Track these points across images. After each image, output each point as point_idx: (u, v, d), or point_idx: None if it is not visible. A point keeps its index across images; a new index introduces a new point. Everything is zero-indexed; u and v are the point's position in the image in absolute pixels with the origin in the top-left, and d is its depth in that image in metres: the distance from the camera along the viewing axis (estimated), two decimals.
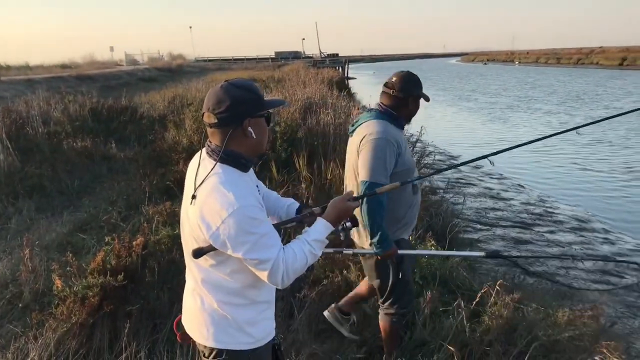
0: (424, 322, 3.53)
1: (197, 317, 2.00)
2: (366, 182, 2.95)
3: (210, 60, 78.68)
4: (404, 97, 3.11)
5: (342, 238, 2.16)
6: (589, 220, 8.45)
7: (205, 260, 1.92)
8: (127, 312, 3.39)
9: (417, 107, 3.22)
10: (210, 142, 1.95)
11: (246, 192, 1.86)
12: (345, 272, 4.11)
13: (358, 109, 10.41)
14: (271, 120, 2.01)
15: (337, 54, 74.71)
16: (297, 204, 2.27)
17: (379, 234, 2.95)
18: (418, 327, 3.52)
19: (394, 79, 3.15)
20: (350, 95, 21.13)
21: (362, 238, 3.17)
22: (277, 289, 2.06)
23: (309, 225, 2.04)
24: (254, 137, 1.91)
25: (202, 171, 1.90)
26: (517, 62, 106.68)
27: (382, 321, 3.30)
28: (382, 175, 2.94)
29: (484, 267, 5.32)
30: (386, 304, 3.24)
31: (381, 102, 3.19)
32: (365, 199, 2.93)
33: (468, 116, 22.84)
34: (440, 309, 3.63)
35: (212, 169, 1.87)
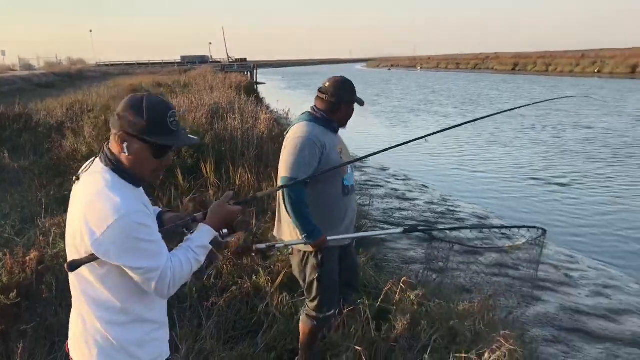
0: (337, 325, 3.59)
1: (79, 339, 1.85)
2: (284, 177, 3.05)
3: (112, 65, 75.67)
4: (336, 102, 3.19)
5: (223, 243, 2.11)
6: (487, 216, 8.90)
7: (85, 274, 1.78)
8: (21, 331, 3.18)
9: (350, 112, 3.30)
10: (108, 146, 1.85)
11: (133, 198, 1.77)
12: (254, 277, 4.08)
13: (266, 113, 10.41)
14: (161, 154, 1.85)
15: (245, 59, 74.12)
16: (157, 209, 2.14)
17: (305, 224, 3.01)
18: (331, 330, 3.57)
19: (328, 84, 3.24)
20: (259, 100, 21.08)
21: (285, 233, 3.23)
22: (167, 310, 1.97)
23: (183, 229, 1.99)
24: (127, 154, 1.79)
25: (91, 165, 1.84)
26: (419, 68, 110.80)
27: (303, 323, 3.32)
28: (300, 171, 3.00)
29: (390, 266, 5.47)
30: (311, 305, 3.27)
31: (315, 106, 3.27)
32: (285, 193, 3.01)
33: (373, 120, 23.47)
34: (349, 309, 3.68)
35: (101, 169, 1.79)
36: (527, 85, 46.07)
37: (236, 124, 8.46)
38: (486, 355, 2.78)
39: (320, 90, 3.26)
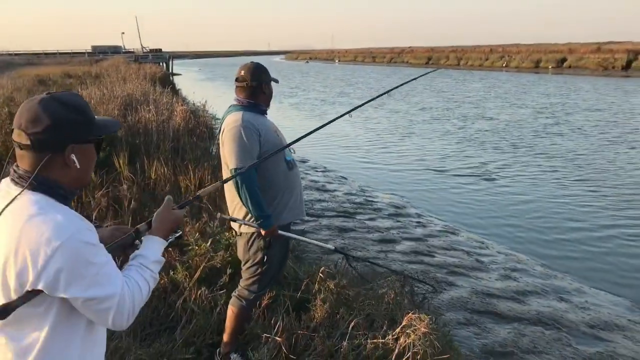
0: (257, 316, 3.60)
1: None
2: (233, 169, 3.12)
3: (17, 54, 71.24)
4: (257, 85, 3.31)
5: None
6: (404, 206, 9.16)
7: (14, 321, 1.44)
8: None
9: (271, 91, 3.45)
10: (18, 166, 1.52)
11: (73, 214, 1.49)
12: (171, 272, 3.98)
13: (182, 105, 10.16)
14: (102, 147, 1.68)
15: (160, 50, 72.07)
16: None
17: (260, 211, 3.10)
18: (251, 322, 3.58)
19: (243, 72, 3.35)
20: (175, 92, 20.58)
21: (239, 214, 3.28)
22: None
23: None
24: (78, 166, 1.53)
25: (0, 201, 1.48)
26: (337, 61, 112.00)
27: (232, 306, 3.36)
28: (246, 158, 3.11)
29: (310, 257, 5.51)
30: (245, 285, 3.33)
31: (237, 97, 3.37)
32: (238, 184, 3.08)
33: (292, 112, 23.61)
34: (270, 301, 3.68)
35: (17, 195, 1.46)
36: (439, 78, 47.88)
37: (150, 116, 8.21)
38: (401, 339, 2.86)
39: (237, 80, 3.36)
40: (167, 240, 1.77)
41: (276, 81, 3.50)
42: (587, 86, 35.97)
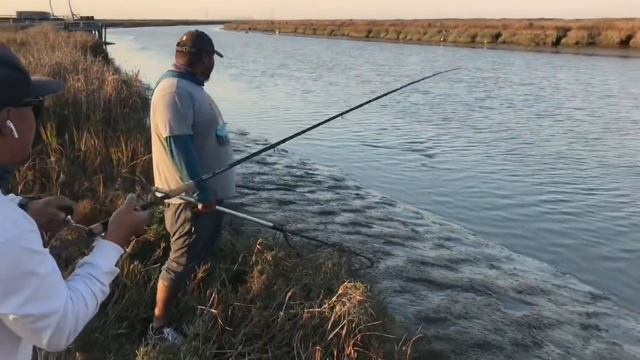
0: (192, 289, 3.56)
1: None
2: (169, 137, 2.99)
3: None
4: (197, 52, 3.21)
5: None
6: (343, 179, 9.23)
7: None
8: None
9: (212, 62, 3.34)
10: None
11: (13, 210, 1.20)
12: None
13: (113, 74, 9.79)
14: (42, 111, 1.39)
15: (92, 17, 68.97)
16: (15, 198, 1.50)
17: (199, 184, 2.95)
18: (186, 295, 3.54)
19: (185, 37, 3.26)
20: (107, 61, 19.81)
21: (169, 186, 3.16)
22: None
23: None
24: (16, 135, 1.24)
25: None
26: (277, 32, 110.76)
27: (161, 279, 3.31)
28: (182, 126, 3.00)
29: (248, 230, 5.47)
30: (174, 257, 3.28)
31: (176, 63, 3.26)
32: (174, 152, 2.97)
33: (229, 84, 23.30)
34: (206, 274, 3.64)
35: None
36: (379, 51, 48.29)
37: (80, 85, 7.86)
38: (337, 307, 2.90)
39: (179, 44, 3.27)
40: (124, 248, 1.49)
41: (220, 55, 3.41)
42: (519, 61, 37.22)
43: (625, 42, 46.97)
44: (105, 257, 1.41)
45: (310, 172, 9.59)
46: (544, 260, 6.06)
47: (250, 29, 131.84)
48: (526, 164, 10.27)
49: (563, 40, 51.00)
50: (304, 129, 2.81)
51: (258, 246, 3.61)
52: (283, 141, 2.74)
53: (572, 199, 8.20)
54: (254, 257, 3.60)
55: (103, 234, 1.49)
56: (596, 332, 4.57)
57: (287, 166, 9.90)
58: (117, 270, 1.44)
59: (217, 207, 3.19)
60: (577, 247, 6.48)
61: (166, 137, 3.02)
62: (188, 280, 3.45)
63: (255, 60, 37.63)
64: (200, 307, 3.06)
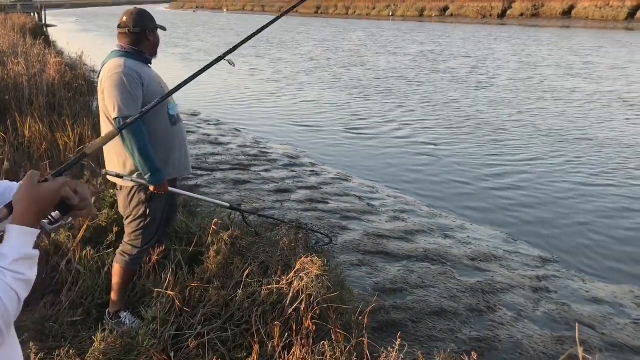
0: (147, 273, 3.51)
1: None
2: (118, 118, 2.92)
3: None
4: (140, 32, 3.13)
5: (52, 234, 1.61)
6: (298, 156, 9.22)
7: None
8: None
9: (157, 39, 3.26)
10: None
11: None
12: (52, 234, 3.76)
13: (56, 57, 9.43)
14: None
15: None
16: None
17: (148, 165, 2.94)
18: (141, 279, 3.49)
19: (125, 18, 3.15)
20: (49, 44, 19.07)
21: (119, 168, 3.12)
22: None
23: None
24: None
25: None
26: (225, 10, 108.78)
27: (116, 263, 3.26)
28: (131, 107, 2.93)
29: (203, 211, 5.42)
30: (128, 240, 3.24)
31: (120, 43, 3.16)
32: (123, 133, 2.86)
33: (176, 63, 23.04)
34: (161, 257, 3.60)
35: None
36: (326, 27, 48.43)
37: (20, 69, 7.54)
38: (295, 282, 2.92)
39: (119, 26, 3.17)
40: (37, 228, 1.30)
41: (163, 28, 3.31)
42: (464, 34, 37.85)
43: (567, 13, 48.14)
44: (12, 244, 1.25)
45: (265, 150, 9.54)
46: (495, 228, 6.24)
47: (197, 7, 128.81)
48: (471, 136, 10.55)
49: (509, 12, 51.85)
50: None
51: (214, 226, 3.58)
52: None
53: (518, 168, 8.46)
54: (209, 238, 3.58)
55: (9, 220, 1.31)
56: (546, 294, 4.75)
57: (240, 146, 9.82)
58: (35, 252, 1.28)
59: (171, 188, 3.15)
60: (526, 213, 6.69)
61: (115, 118, 2.96)
62: (143, 263, 3.41)
63: (202, 39, 37.08)
64: (156, 290, 3.03)
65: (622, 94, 14.73)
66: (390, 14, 63.83)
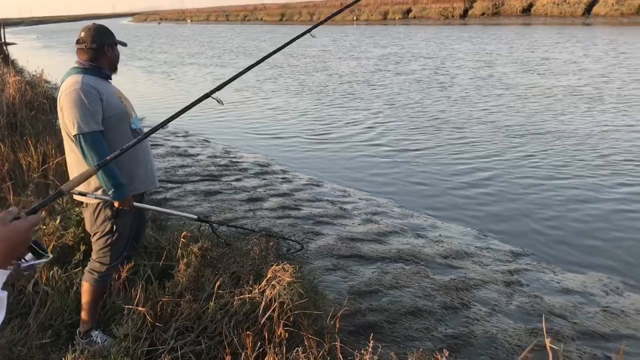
0: (117, 290, 3.46)
1: None
2: (78, 135, 2.89)
3: None
4: (98, 47, 3.10)
5: (25, 273, 1.48)
6: (269, 164, 9.21)
7: None
8: None
9: (116, 54, 3.24)
10: None
11: None
12: None
13: (15, 76, 9.25)
14: None
15: None
16: None
17: (111, 181, 2.92)
18: (111, 296, 3.44)
19: (83, 34, 3.13)
20: (8, 62, 18.71)
21: (84, 187, 3.05)
22: None
23: None
24: None
25: None
26: (189, 21, 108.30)
27: (85, 281, 3.21)
28: (91, 122, 2.90)
29: (174, 224, 5.36)
30: (96, 257, 3.19)
31: (79, 60, 3.14)
32: (84, 150, 2.87)
33: (140, 75, 22.85)
34: (131, 273, 3.55)
35: None
36: (290, 34, 48.47)
37: None
38: (267, 291, 2.91)
39: (78, 42, 3.15)
40: (7, 269, 1.21)
41: (123, 44, 3.28)
42: (426, 35, 38.39)
43: (527, 10, 49.09)
44: None
45: (235, 160, 9.49)
46: (466, 225, 6.31)
47: (161, 19, 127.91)
48: (436, 135, 10.70)
49: (470, 12, 52.65)
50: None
51: (183, 239, 3.55)
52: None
53: (484, 165, 8.58)
54: (179, 251, 3.54)
55: None
56: (518, 287, 4.82)
57: (210, 156, 9.76)
58: (3, 295, 1.20)
59: (136, 203, 3.11)
60: (495, 209, 6.79)
61: (75, 135, 2.92)
62: (112, 280, 3.36)
63: (165, 51, 37.02)
64: (127, 306, 2.99)
65: (576, 87, 15.12)
66: (355, 18, 64.23)
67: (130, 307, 2.93)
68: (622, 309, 4.41)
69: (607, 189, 7.25)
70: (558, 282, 4.91)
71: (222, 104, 2.33)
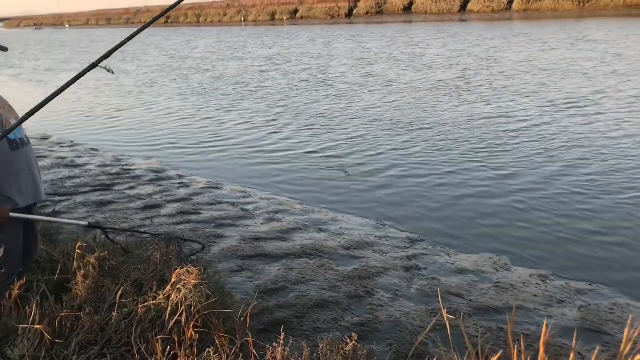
0: (9, 309, 3.23)
1: None
2: None
3: None
4: None
5: None
6: (164, 170, 8.96)
7: None
8: None
9: None
10: None
11: None
12: None
13: None
14: None
15: None
16: None
17: None
18: (3, 317, 3.21)
19: None
20: None
21: None
22: None
23: None
24: None
25: None
26: (67, 25, 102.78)
27: None
28: None
29: (67, 237, 5.08)
30: None
31: None
32: None
33: (12, 84, 21.58)
34: (23, 291, 3.33)
35: None
36: (175, 36, 47.83)
37: None
38: (173, 295, 2.85)
39: None
40: None
41: (4, 49, 3.05)
42: (312, 35, 39.20)
43: (408, 8, 51.37)
44: None
45: (127, 168, 9.15)
46: (364, 216, 6.52)
47: (36, 24, 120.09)
48: (327, 129, 11.10)
49: (355, 11, 54.22)
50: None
51: (78, 250, 3.38)
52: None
53: (376, 157, 8.94)
54: (75, 263, 3.37)
55: None
56: (417, 271, 5.06)
57: (100, 165, 9.33)
58: None
59: (15, 214, 2.90)
60: (390, 198, 7.08)
61: None
62: (4, 300, 3.14)
63: (39, 58, 35.20)
64: (21, 326, 2.80)
65: (447, 81, 16.29)
66: (242, 19, 63.98)
67: (25, 326, 2.76)
68: (510, 283, 4.75)
69: (483, 173, 7.80)
70: (453, 264, 5.20)
71: (113, 72, 2.26)
